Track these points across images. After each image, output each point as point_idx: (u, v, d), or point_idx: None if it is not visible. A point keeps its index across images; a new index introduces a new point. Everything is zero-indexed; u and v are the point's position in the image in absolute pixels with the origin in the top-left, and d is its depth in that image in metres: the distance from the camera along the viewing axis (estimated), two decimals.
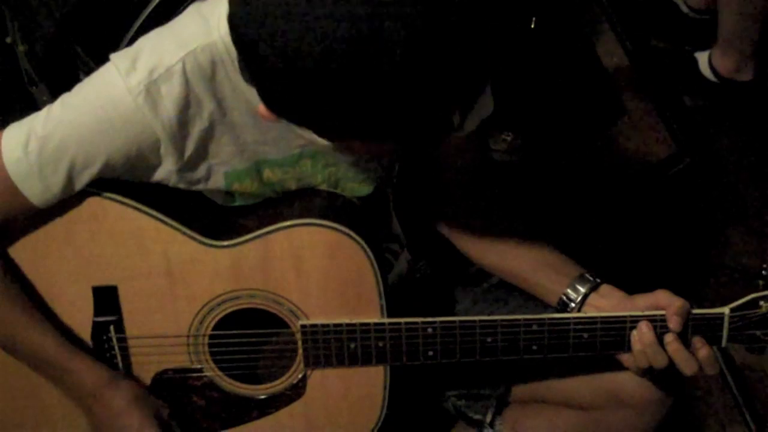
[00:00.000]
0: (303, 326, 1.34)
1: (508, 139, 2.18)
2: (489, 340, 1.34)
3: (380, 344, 1.34)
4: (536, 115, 2.22)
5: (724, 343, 1.33)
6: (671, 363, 1.31)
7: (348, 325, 1.33)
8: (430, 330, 1.33)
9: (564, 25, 2.31)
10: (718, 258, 2.18)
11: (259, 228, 1.31)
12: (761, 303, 1.30)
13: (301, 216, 1.31)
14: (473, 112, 1.06)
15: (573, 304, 1.38)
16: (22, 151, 1.19)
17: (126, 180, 1.27)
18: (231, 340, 1.37)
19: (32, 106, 1.85)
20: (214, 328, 1.36)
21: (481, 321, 1.33)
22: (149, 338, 1.37)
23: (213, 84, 1.19)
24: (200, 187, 1.31)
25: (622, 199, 2.20)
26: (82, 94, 1.20)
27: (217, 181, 1.30)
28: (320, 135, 1.03)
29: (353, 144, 1.10)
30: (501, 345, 1.34)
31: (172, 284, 1.33)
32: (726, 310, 1.31)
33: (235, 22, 0.96)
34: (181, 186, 1.28)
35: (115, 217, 1.29)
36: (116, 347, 1.37)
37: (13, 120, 1.24)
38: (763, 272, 1.31)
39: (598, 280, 1.39)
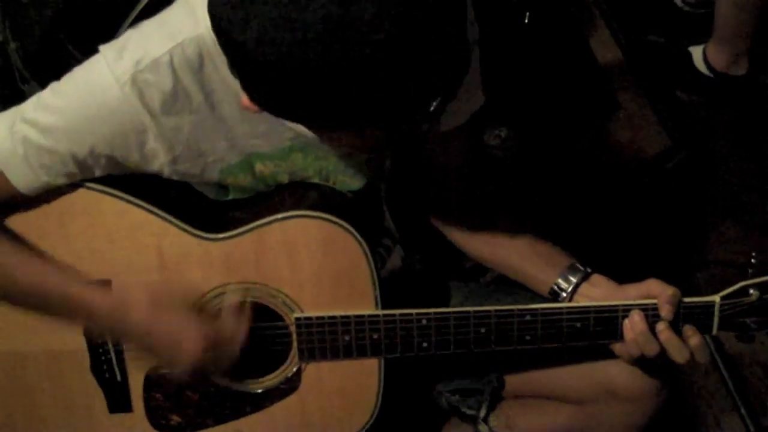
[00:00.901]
0: (297, 319, 1.34)
1: (502, 134, 2.18)
2: (483, 330, 1.34)
3: (375, 336, 1.34)
4: (530, 111, 2.22)
5: (714, 331, 1.33)
6: (663, 351, 1.32)
7: (343, 317, 1.34)
8: (424, 321, 1.34)
9: (557, 20, 2.31)
10: (711, 251, 2.19)
11: (252, 220, 1.31)
12: (751, 291, 1.31)
13: (294, 208, 1.31)
14: (460, 103, 1.05)
15: (564, 294, 1.39)
16: (8, 132, 1.20)
17: (120, 173, 1.27)
18: None
19: None
20: None
21: (475, 312, 1.34)
22: None
23: (201, 76, 1.19)
24: (195, 180, 1.32)
25: (616, 194, 2.20)
26: (71, 82, 1.20)
27: (211, 175, 1.30)
28: (302, 124, 1.03)
29: (336, 135, 1.09)
30: (495, 335, 1.35)
31: (166, 278, 1.33)
32: (716, 298, 1.32)
33: (213, 10, 0.96)
34: (175, 178, 1.28)
35: (108, 211, 1.29)
36: (109, 342, 1.37)
37: None
38: (752, 260, 1.31)
39: (589, 270, 1.40)
